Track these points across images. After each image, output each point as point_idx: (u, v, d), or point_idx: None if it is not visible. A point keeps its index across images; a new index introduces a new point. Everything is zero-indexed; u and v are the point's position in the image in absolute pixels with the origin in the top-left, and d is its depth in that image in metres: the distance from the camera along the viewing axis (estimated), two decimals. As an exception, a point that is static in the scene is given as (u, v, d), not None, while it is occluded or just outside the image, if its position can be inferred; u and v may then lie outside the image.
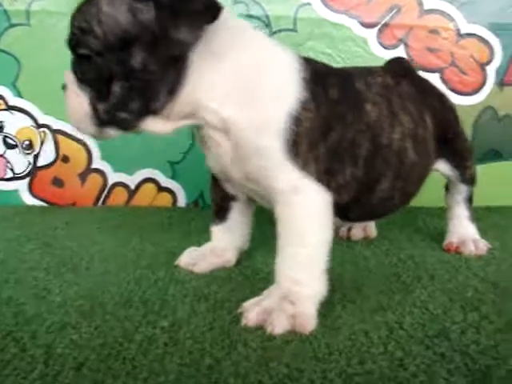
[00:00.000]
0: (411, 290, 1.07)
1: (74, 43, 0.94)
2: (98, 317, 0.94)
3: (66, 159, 1.88)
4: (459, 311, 0.97)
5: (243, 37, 0.99)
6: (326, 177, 0.99)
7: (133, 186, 1.90)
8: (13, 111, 1.84)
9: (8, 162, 1.87)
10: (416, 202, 1.29)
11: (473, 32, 1.86)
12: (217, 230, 1.23)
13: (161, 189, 1.91)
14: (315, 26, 1.83)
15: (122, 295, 1.04)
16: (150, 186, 1.90)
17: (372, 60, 1.83)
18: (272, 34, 1.82)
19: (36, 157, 1.88)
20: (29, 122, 1.86)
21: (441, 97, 1.33)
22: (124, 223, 1.62)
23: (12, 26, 1.79)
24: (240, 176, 1.03)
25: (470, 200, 1.39)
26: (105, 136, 1.00)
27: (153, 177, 1.90)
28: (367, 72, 1.19)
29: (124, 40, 0.89)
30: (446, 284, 1.11)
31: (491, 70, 1.89)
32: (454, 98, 1.85)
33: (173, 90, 0.93)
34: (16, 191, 1.89)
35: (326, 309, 0.96)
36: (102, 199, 1.90)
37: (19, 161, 1.88)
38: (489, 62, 1.89)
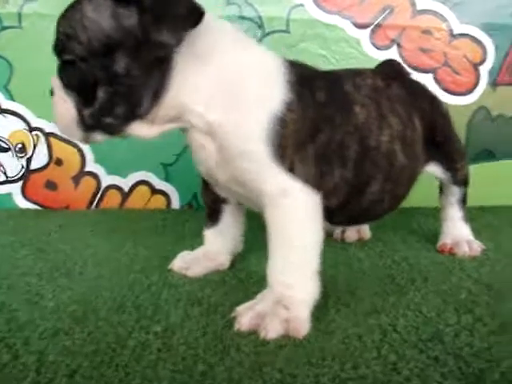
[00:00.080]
0: (405, 292, 1.07)
1: (59, 49, 0.94)
2: (91, 322, 0.93)
3: (59, 162, 1.87)
4: (453, 313, 0.97)
5: (227, 40, 0.99)
6: (315, 179, 0.99)
7: (126, 189, 1.89)
8: (5, 114, 1.84)
9: (1, 165, 1.86)
10: (411, 202, 1.29)
11: (466, 32, 1.86)
12: (209, 234, 1.23)
13: (154, 191, 1.91)
14: (308, 27, 1.83)
15: (115, 300, 1.03)
16: (144, 189, 1.90)
17: (365, 61, 1.82)
18: (265, 35, 1.82)
19: (29, 160, 1.87)
20: (21, 126, 1.85)
21: (432, 100, 1.33)
22: (118, 227, 1.61)
23: (4, 28, 1.78)
24: (226, 179, 1.03)
25: (463, 201, 1.39)
26: (92, 141, 1.00)
27: (146, 179, 1.89)
28: (357, 74, 1.19)
29: (107, 45, 0.89)
30: (439, 286, 1.11)
31: (484, 70, 1.89)
32: (448, 98, 1.86)
33: (157, 94, 0.93)
34: (9, 195, 1.88)
35: (320, 312, 0.96)
36: (95, 202, 1.89)
37: (12, 164, 1.87)
38: (482, 62, 1.89)
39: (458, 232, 1.38)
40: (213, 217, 1.22)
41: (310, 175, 0.98)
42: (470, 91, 1.90)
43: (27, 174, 1.88)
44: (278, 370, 0.78)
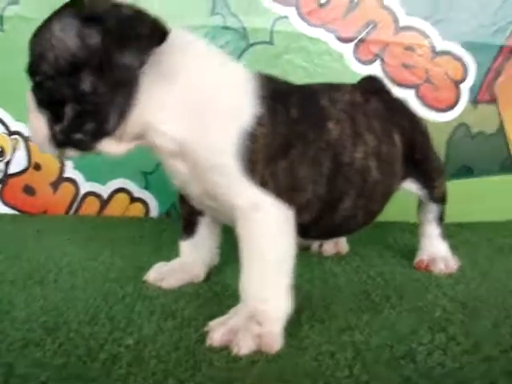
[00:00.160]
0: (380, 310, 1.07)
1: (30, 68, 0.96)
2: (63, 334, 0.92)
3: (38, 167, 1.86)
4: (427, 332, 0.97)
5: (195, 56, 0.98)
6: (287, 194, 0.99)
7: (105, 196, 1.88)
8: (-16, 118, 1.82)
9: (-21, 169, 1.85)
10: (387, 216, 1.30)
11: (448, 49, 1.88)
12: (185, 245, 1.23)
13: (133, 199, 1.90)
14: (292, 40, 1.84)
15: (88, 311, 1.02)
16: (123, 196, 1.89)
17: (348, 75, 1.83)
18: (249, 46, 1.82)
19: (7, 164, 1.86)
20: (0, 129, 1.83)
21: (412, 117, 1.34)
22: (95, 235, 1.60)
23: (-15, 31, 1.77)
24: (199, 193, 1.03)
25: (441, 218, 1.39)
26: (66, 157, 1.02)
27: (125, 187, 1.89)
28: (334, 88, 1.19)
29: (73, 64, 0.90)
30: (414, 303, 1.11)
31: (465, 88, 1.91)
32: (429, 115, 1.88)
33: (123, 112, 0.93)
34: (-14, 199, 1.87)
35: (294, 328, 0.96)
36: (73, 208, 1.88)
37: (-10, 168, 1.86)
38: (463, 80, 1.91)
39: (434, 249, 1.38)
40: (189, 229, 1.22)
41: (282, 189, 0.98)
42: (450, 108, 1.92)
43: (5, 178, 1.86)
44: (249, 387, 0.77)
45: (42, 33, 0.94)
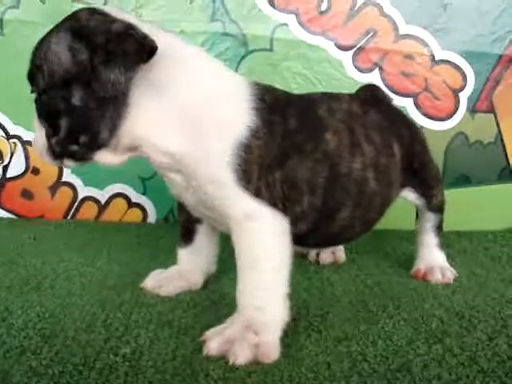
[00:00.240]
0: (377, 320, 1.06)
1: (29, 79, 0.98)
2: (60, 341, 0.92)
3: (36, 171, 1.86)
4: (423, 343, 0.97)
5: (187, 68, 0.98)
6: (282, 203, 0.99)
7: (103, 201, 1.88)
8: (-17, 121, 1.82)
9: (-23, 172, 1.85)
10: (386, 224, 1.30)
11: (447, 58, 1.89)
12: (183, 253, 1.23)
13: (131, 204, 1.90)
14: (291, 47, 1.84)
15: (84, 318, 1.02)
16: (121, 202, 1.89)
17: (347, 82, 1.85)
18: (248, 53, 1.82)
19: (5, 168, 1.85)
20: (-1, 133, 1.84)
21: (411, 126, 1.34)
22: (92, 240, 1.60)
23: (-15, 35, 1.77)
24: (195, 203, 1.04)
25: (439, 228, 1.39)
26: (65, 166, 1.05)
27: (123, 192, 1.89)
28: (333, 98, 1.19)
29: (64, 78, 0.91)
30: (411, 314, 1.11)
31: (464, 97, 1.92)
32: (427, 123, 1.88)
33: (114, 126, 0.94)
34: (-16, 202, 1.86)
35: (291, 338, 0.96)
36: (71, 213, 1.88)
37: (-12, 172, 1.86)
38: (461, 89, 1.91)
39: (432, 258, 1.38)
40: (187, 236, 1.22)
41: (277, 199, 0.98)
42: (449, 117, 1.92)
43: (3, 182, 1.86)
44: (245, 398, 0.78)
45: (40, 45, 0.96)
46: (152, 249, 1.55)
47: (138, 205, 1.90)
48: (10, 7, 1.77)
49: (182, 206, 1.17)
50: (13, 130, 1.83)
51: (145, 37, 0.90)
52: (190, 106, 0.96)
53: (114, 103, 0.92)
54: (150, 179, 1.87)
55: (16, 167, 1.86)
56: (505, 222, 1.92)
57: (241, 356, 0.87)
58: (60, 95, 0.92)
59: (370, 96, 1.29)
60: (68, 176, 1.86)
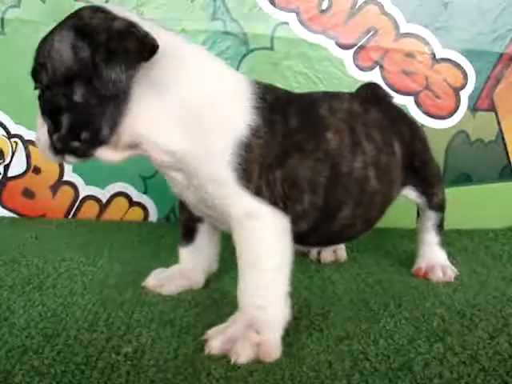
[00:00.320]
0: (378, 319, 1.07)
1: (32, 75, 0.99)
2: (62, 340, 0.92)
3: (37, 170, 1.86)
4: (424, 342, 0.97)
5: (188, 66, 0.99)
6: (282, 202, 0.99)
7: (104, 200, 1.89)
8: (-16, 121, 1.83)
9: (-22, 172, 1.85)
10: (387, 223, 1.30)
11: (447, 57, 1.89)
12: (184, 252, 1.23)
13: (132, 203, 1.90)
14: (292, 46, 1.84)
15: (86, 318, 1.02)
16: (122, 201, 1.89)
17: (348, 81, 1.85)
18: (249, 51, 1.82)
19: (7, 167, 1.86)
20: (0, 132, 1.83)
21: (411, 125, 1.34)
22: (93, 239, 1.60)
23: (-14, 34, 1.78)
24: (196, 202, 1.04)
25: (440, 226, 1.39)
26: (67, 162, 1.05)
27: (125, 191, 1.89)
28: (334, 97, 1.19)
29: (67, 76, 0.92)
30: (412, 312, 1.11)
31: (464, 95, 1.92)
32: (428, 122, 1.88)
33: (115, 123, 0.94)
34: (-15, 202, 1.87)
35: (292, 337, 0.96)
36: (72, 212, 1.88)
37: (-11, 171, 1.86)
38: (462, 87, 1.91)
39: (433, 257, 1.38)
40: (188, 235, 1.22)
41: (278, 198, 0.99)
42: (450, 115, 1.92)
43: (5, 181, 1.86)
44: (247, 397, 0.78)
45: (44, 42, 0.96)
46: (153, 248, 1.55)
47: (139, 204, 1.91)
48: (11, 6, 1.77)
49: (183, 205, 1.17)
50: (14, 129, 1.83)
51: (146, 35, 0.91)
52: (191, 105, 0.96)
53: (115, 101, 0.92)
54: (151, 178, 1.87)
55: (17, 166, 1.86)
56: (506, 221, 1.92)
57: (242, 355, 0.87)
58: (62, 92, 0.93)
59: (370, 94, 1.29)
60: (69, 175, 1.86)
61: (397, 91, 1.85)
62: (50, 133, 0.98)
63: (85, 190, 1.88)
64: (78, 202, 1.88)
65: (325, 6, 1.84)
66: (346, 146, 1.11)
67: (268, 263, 0.96)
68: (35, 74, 0.97)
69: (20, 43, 1.76)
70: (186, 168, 0.98)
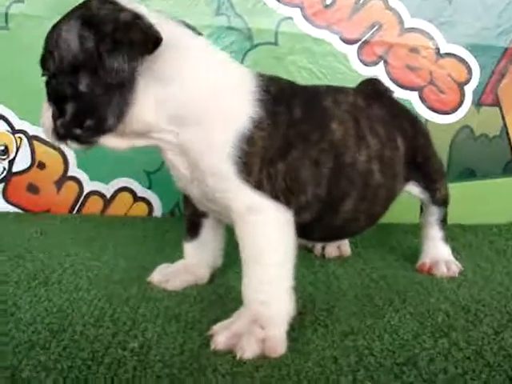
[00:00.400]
0: (383, 314, 1.07)
1: (41, 63, 0.99)
2: (68, 336, 0.93)
3: (41, 166, 1.87)
4: (429, 337, 0.97)
5: (192, 58, 0.99)
6: (285, 195, 0.99)
7: (108, 195, 1.89)
8: (-12, 116, 1.83)
9: (-18, 167, 1.85)
10: (391, 218, 1.30)
11: (452, 52, 1.88)
12: (189, 247, 1.24)
13: (137, 198, 1.90)
14: (296, 41, 1.84)
15: (92, 313, 1.03)
16: (126, 196, 1.90)
17: (352, 76, 1.85)
18: (253, 46, 1.82)
19: (11, 162, 1.86)
20: (4, 127, 1.84)
21: (414, 120, 1.34)
22: (98, 235, 1.61)
23: (-10, 29, 1.78)
24: (199, 195, 1.05)
25: (443, 221, 1.40)
26: (70, 147, 1.04)
27: (129, 186, 1.89)
28: (338, 91, 1.19)
29: (73, 65, 0.92)
30: (417, 307, 1.11)
31: (469, 90, 1.92)
32: (432, 117, 1.88)
33: (121, 112, 0.94)
34: (-10, 197, 1.87)
35: (298, 332, 0.96)
36: (77, 207, 1.89)
37: (-6, 166, 1.86)
38: (467, 82, 1.91)
39: (437, 252, 1.38)
40: (192, 230, 1.22)
41: (279, 192, 0.98)
42: (454, 110, 1.92)
43: (9, 177, 1.86)
44: (253, 393, 0.78)
45: (53, 31, 0.97)
46: (158, 243, 1.55)
47: (143, 199, 1.91)
48: (15, 1, 1.77)
49: (187, 200, 1.18)
50: (18, 124, 1.83)
51: (150, 27, 0.91)
52: (193, 97, 0.96)
53: (121, 90, 0.92)
54: (155, 173, 1.87)
55: (22, 162, 1.86)
56: (509, 216, 1.92)
57: (248, 350, 0.87)
58: (68, 81, 0.93)
59: (371, 90, 1.29)
60: (74, 170, 1.86)
61: (401, 86, 1.85)
62: (54, 118, 0.99)
63: (89, 186, 1.88)
64: (82, 198, 1.88)
65: (329, 0, 1.84)
66: (350, 137, 1.11)
67: (271, 258, 0.96)
68: (43, 61, 0.98)
69: (24, 38, 1.76)
70: (190, 159, 0.99)
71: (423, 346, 0.94)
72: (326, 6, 1.84)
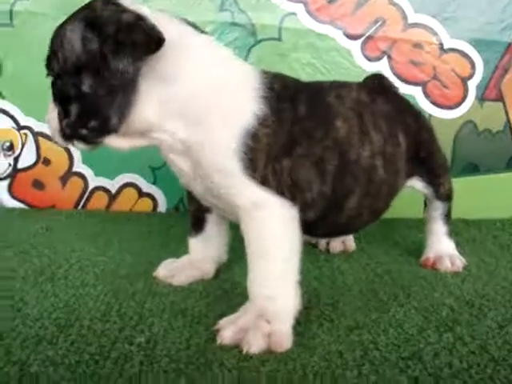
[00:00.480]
0: (387, 309, 1.07)
1: (46, 63, 1.00)
2: (75, 331, 0.93)
3: (47, 162, 1.87)
4: (434, 331, 0.98)
5: (195, 56, 0.99)
6: (290, 191, 1.00)
7: (113, 191, 1.90)
8: (-6, 112, 1.84)
9: (-12, 163, 1.86)
10: (395, 213, 1.30)
11: (455, 47, 1.88)
12: (194, 242, 1.24)
13: (142, 194, 1.91)
14: (300, 36, 1.85)
15: (99, 308, 1.03)
16: (131, 191, 1.90)
17: (356, 71, 1.85)
18: (257, 42, 1.82)
19: (17, 159, 1.87)
20: (10, 124, 1.84)
21: (417, 115, 1.34)
22: (103, 230, 1.62)
23: (-5, 26, 1.78)
24: (203, 192, 1.05)
25: (447, 216, 1.40)
26: (76, 147, 1.05)
27: (134, 182, 1.90)
28: (341, 86, 1.19)
29: (76, 66, 0.93)
30: (421, 302, 1.11)
31: (472, 85, 1.92)
32: (436, 112, 1.88)
33: (124, 112, 0.95)
34: (-5, 193, 1.88)
35: (303, 327, 0.97)
36: (82, 203, 1.89)
37: (-1, 162, 1.87)
38: (470, 77, 1.91)
39: (441, 247, 1.38)
40: (197, 226, 1.23)
41: (285, 188, 0.99)
42: (457, 105, 1.92)
43: (14, 173, 1.87)
44: (259, 388, 0.78)
45: (58, 31, 0.97)
46: (163, 238, 1.56)
47: (148, 194, 1.92)
48: (20, -2, 1.78)
49: (191, 196, 1.18)
50: (24, 121, 1.84)
51: (153, 28, 0.91)
52: (197, 95, 0.97)
53: (124, 91, 0.93)
54: (160, 169, 1.88)
55: (27, 158, 1.87)
56: (513, 210, 1.93)
57: (254, 345, 0.88)
58: (71, 82, 0.94)
59: (376, 85, 1.29)
60: (79, 166, 1.87)
61: (405, 81, 1.86)
62: (60, 118, 0.99)
63: (94, 181, 1.89)
64: (87, 193, 1.89)
65: (333, -4, 1.84)
66: (354, 135, 1.11)
67: (276, 254, 0.96)
68: (48, 61, 0.98)
69: (29, 35, 1.77)
70: (193, 157, 0.99)
71: (428, 340, 0.94)
72: (330, 2, 1.84)
